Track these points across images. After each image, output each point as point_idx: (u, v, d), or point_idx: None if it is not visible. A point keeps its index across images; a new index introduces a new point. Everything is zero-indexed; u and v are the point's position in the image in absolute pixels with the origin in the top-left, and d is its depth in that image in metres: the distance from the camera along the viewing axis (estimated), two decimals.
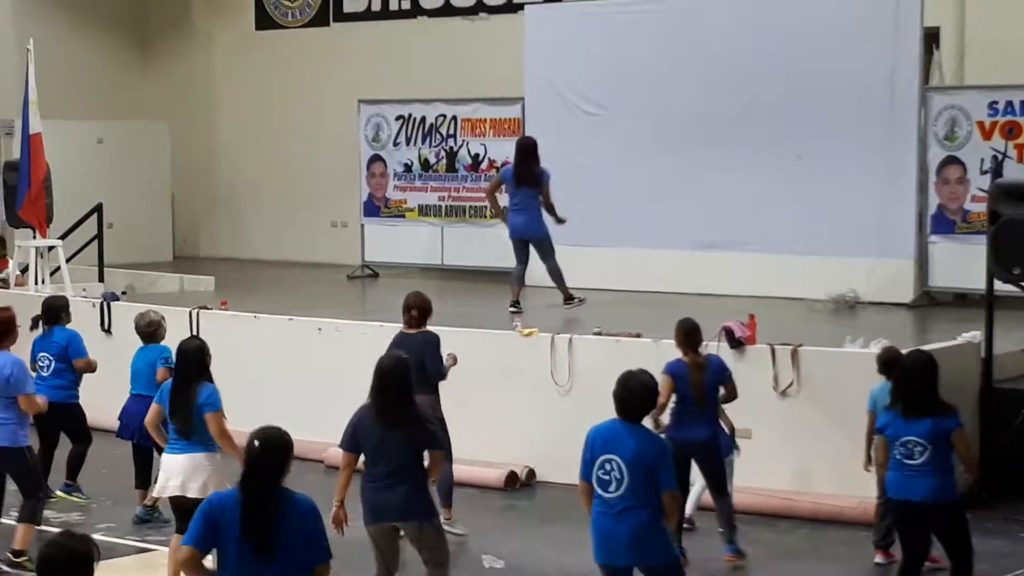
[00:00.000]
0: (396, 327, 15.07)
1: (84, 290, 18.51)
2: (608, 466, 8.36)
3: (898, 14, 16.88)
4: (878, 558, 11.19)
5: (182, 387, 10.40)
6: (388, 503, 9.26)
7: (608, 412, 12.85)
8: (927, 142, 16.92)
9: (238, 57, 24.90)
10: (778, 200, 17.63)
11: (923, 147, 16.92)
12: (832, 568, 11.51)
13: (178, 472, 10.24)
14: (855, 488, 12.05)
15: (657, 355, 13.64)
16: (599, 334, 14.18)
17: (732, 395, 11.32)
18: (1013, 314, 14.09)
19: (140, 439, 12.18)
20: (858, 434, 12.23)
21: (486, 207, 20.07)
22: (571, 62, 19.23)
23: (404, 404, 9.30)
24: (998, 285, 13.60)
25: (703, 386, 11.08)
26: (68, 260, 18.97)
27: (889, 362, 10.95)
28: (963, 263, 16.37)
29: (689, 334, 11.34)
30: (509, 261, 19.70)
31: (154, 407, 10.75)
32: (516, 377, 13.96)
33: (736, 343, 13.18)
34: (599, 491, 8.39)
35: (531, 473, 13.42)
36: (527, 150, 16.49)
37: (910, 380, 9.59)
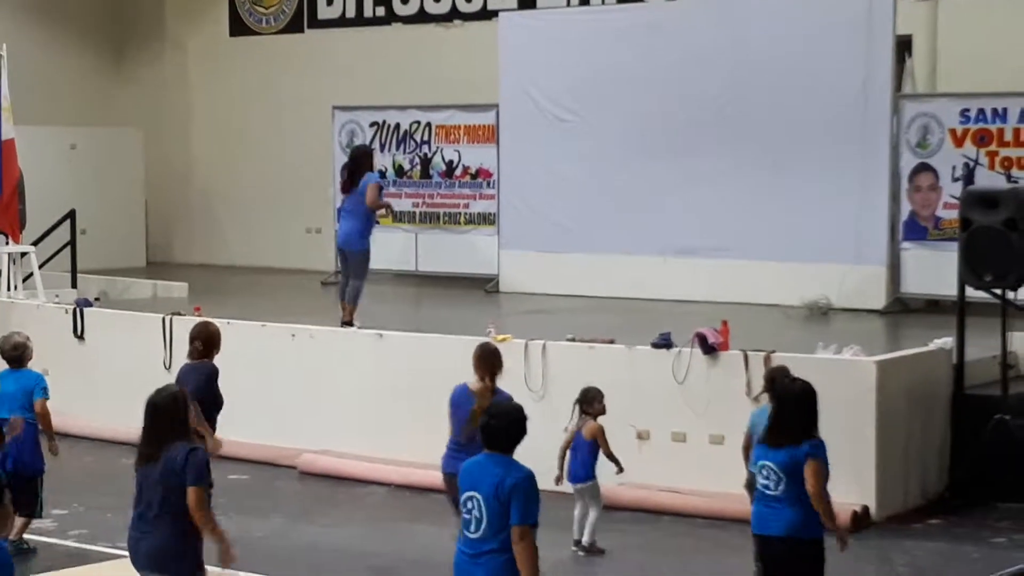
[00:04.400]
0: (370, 333, 15.11)
1: (57, 296, 18.44)
2: (470, 504, 7.49)
3: (871, 22, 16.95)
4: None
5: None
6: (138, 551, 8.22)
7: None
8: (899, 149, 17.00)
9: (212, 64, 24.87)
10: (751, 207, 17.69)
11: (895, 154, 17.00)
12: None
13: None
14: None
15: (630, 361, 13.70)
16: (573, 340, 14.20)
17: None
18: (984, 321, 14.13)
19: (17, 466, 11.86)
20: (830, 441, 12.25)
21: (460, 213, 20.11)
22: (545, 69, 19.26)
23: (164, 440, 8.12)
24: (970, 292, 13.64)
25: None
26: (41, 266, 18.90)
27: (770, 383, 10.28)
28: (935, 270, 16.43)
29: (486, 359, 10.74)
30: (485, 267, 19.79)
31: None
32: None
33: (709, 349, 13.21)
34: (464, 532, 7.53)
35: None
36: (355, 159, 15.93)
37: (782, 408, 8.85)
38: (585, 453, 11.77)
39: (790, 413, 8.78)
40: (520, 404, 7.88)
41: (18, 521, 11.89)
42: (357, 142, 20.89)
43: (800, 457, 8.63)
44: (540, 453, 10.98)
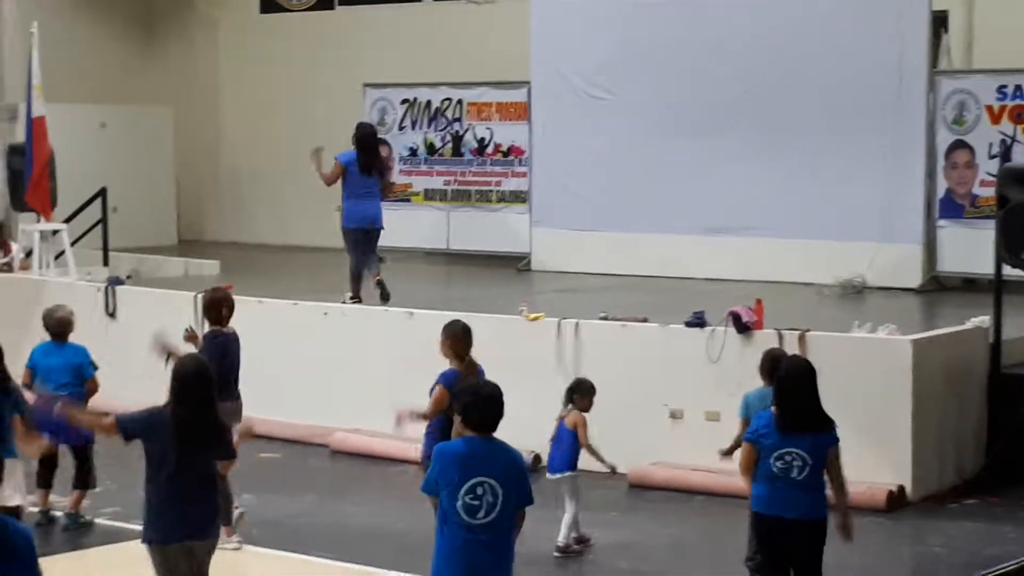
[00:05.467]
0: (401, 311, 15.07)
1: (89, 274, 18.46)
2: (480, 490, 7.36)
3: None
4: None
5: None
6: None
7: (614, 396, 12.84)
8: (935, 126, 16.85)
9: (242, 41, 24.83)
10: (786, 184, 17.57)
11: (931, 132, 16.85)
12: (842, 552, 11.43)
13: None
14: (863, 473, 12.00)
15: (663, 339, 13.62)
16: (605, 319, 14.13)
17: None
18: (1021, 299, 14.02)
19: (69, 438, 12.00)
20: (866, 420, 12.22)
21: (492, 191, 20.04)
22: (577, 46, 19.16)
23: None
24: (1006, 270, 13.55)
25: None
26: (72, 244, 18.92)
27: (771, 365, 9.99)
28: (971, 248, 16.32)
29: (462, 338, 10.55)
30: (517, 245, 19.72)
31: None
32: (522, 362, 13.90)
33: (743, 328, 13.13)
34: (463, 518, 7.35)
35: (536, 458, 13.37)
36: (373, 136, 16.16)
37: (787, 390, 8.74)
38: (567, 444, 11.34)
39: (810, 397, 8.71)
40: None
41: (74, 494, 12.03)
42: (388, 120, 20.85)
43: (829, 442, 8.69)
44: None
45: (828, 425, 8.76)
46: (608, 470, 11.42)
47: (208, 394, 8.30)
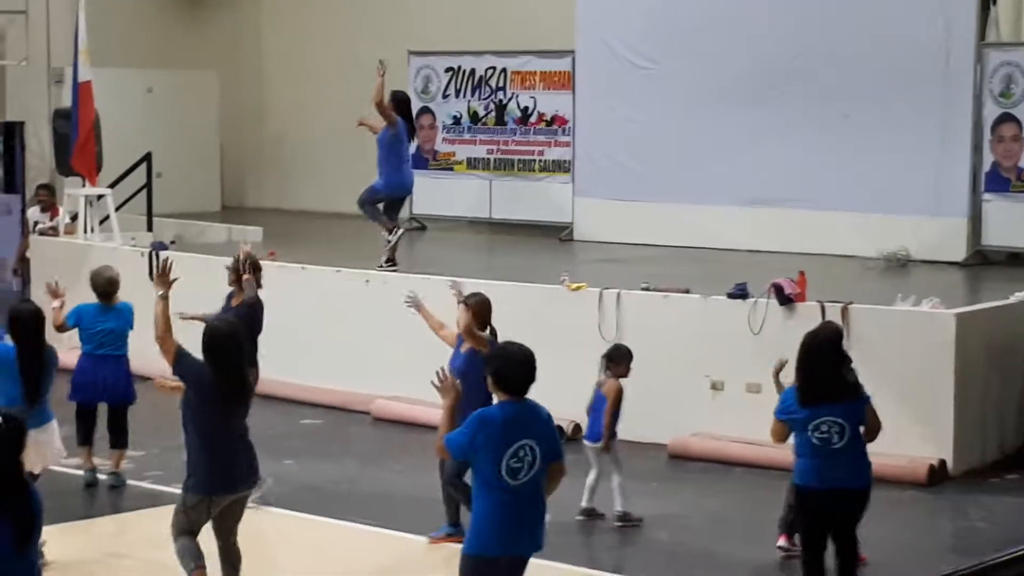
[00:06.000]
0: (442, 279, 15.09)
1: (133, 239, 18.55)
2: (522, 452, 7.41)
3: None
4: (781, 542, 10.40)
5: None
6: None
7: (655, 366, 12.83)
8: (982, 99, 16.72)
9: (288, 7, 24.81)
10: (831, 157, 17.48)
11: (978, 104, 16.73)
12: (883, 526, 11.42)
13: None
14: (905, 447, 11.98)
15: (705, 310, 13.60)
16: (647, 289, 14.11)
17: None
18: None
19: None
20: (908, 392, 12.18)
21: (535, 161, 20.01)
22: (622, 16, 19.09)
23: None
24: None
25: None
26: (117, 209, 18.99)
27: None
28: (1017, 222, 16.24)
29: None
30: (559, 215, 19.70)
31: None
32: (563, 332, 13.91)
33: (786, 300, 13.09)
34: (507, 480, 7.39)
35: (577, 428, 13.37)
36: (409, 104, 16.32)
37: (808, 358, 8.75)
38: (604, 412, 11.34)
39: (833, 364, 8.74)
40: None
41: (115, 454, 12.19)
42: (432, 88, 20.84)
43: (861, 407, 8.74)
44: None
45: (855, 391, 8.77)
46: (604, 449, 11.32)
47: (240, 357, 8.79)
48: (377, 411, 14.98)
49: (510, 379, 7.56)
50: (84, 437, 12.34)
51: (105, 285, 12.40)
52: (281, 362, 14.22)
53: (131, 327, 12.36)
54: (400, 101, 15.95)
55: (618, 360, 11.50)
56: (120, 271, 12.97)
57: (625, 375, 11.46)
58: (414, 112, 20.82)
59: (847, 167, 17.38)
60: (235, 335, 8.83)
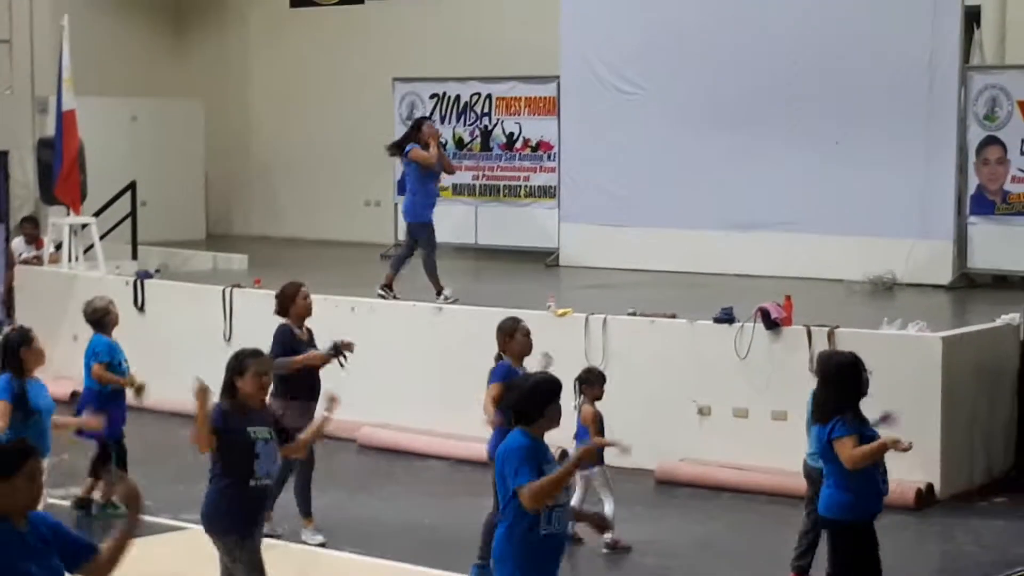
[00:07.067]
0: (429, 306, 15.04)
1: (117, 268, 18.50)
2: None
3: None
4: None
5: None
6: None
7: (641, 392, 12.81)
8: (967, 122, 16.75)
9: (272, 35, 24.84)
10: (814, 180, 17.49)
11: (963, 127, 16.76)
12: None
13: None
14: (891, 471, 11.89)
15: (691, 335, 13.58)
16: (633, 314, 14.09)
17: None
18: None
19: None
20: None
21: (520, 186, 20.03)
22: (607, 41, 19.11)
23: None
24: None
25: None
26: (101, 238, 18.94)
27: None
28: (1002, 244, 16.25)
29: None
30: (545, 240, 19.69)
31: None
32: None
33: (772, 324, 13.08)
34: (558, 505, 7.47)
35: (563, 453, 13.33)
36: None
37: (827, 383, 8.80)
38: (587, 439, 11.08)
39: (823, 387, 8.81)
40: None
41: (102, 483, 12.21)
42: (417, 114, 20.84)
43: (824, 436, 8.57)
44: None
45: (826, 417, 8.60)
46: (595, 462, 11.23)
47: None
48: (363, 439, 14.94)
49: (527, 411, 7.66)
50: (95, 470, 12.40)
51: (114, 320, 12.42)
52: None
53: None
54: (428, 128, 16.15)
55: (591, 382, 11.46)
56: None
57: (599, 397, 11.43)
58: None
59: (833, 191, 17.39)
60: None
